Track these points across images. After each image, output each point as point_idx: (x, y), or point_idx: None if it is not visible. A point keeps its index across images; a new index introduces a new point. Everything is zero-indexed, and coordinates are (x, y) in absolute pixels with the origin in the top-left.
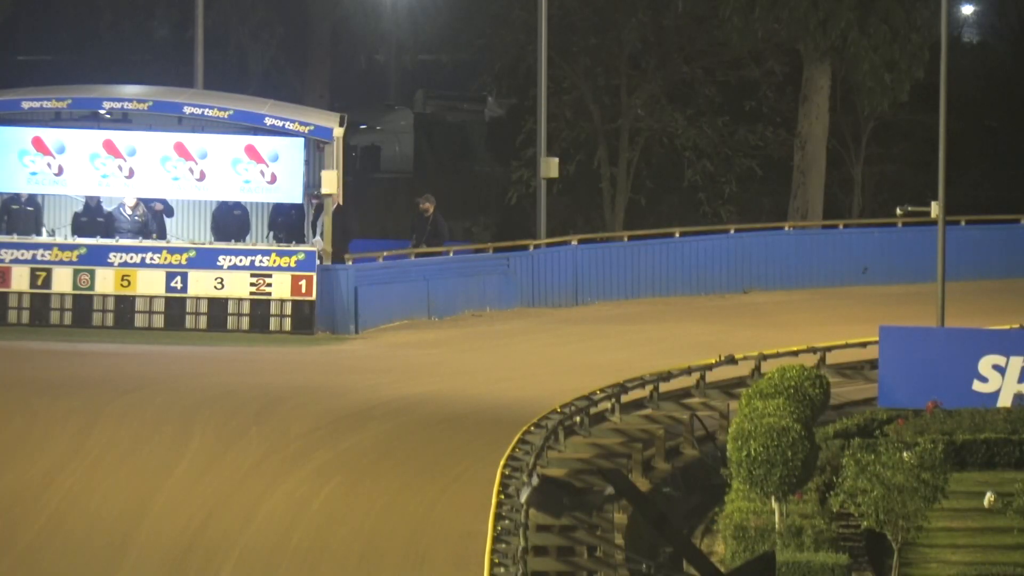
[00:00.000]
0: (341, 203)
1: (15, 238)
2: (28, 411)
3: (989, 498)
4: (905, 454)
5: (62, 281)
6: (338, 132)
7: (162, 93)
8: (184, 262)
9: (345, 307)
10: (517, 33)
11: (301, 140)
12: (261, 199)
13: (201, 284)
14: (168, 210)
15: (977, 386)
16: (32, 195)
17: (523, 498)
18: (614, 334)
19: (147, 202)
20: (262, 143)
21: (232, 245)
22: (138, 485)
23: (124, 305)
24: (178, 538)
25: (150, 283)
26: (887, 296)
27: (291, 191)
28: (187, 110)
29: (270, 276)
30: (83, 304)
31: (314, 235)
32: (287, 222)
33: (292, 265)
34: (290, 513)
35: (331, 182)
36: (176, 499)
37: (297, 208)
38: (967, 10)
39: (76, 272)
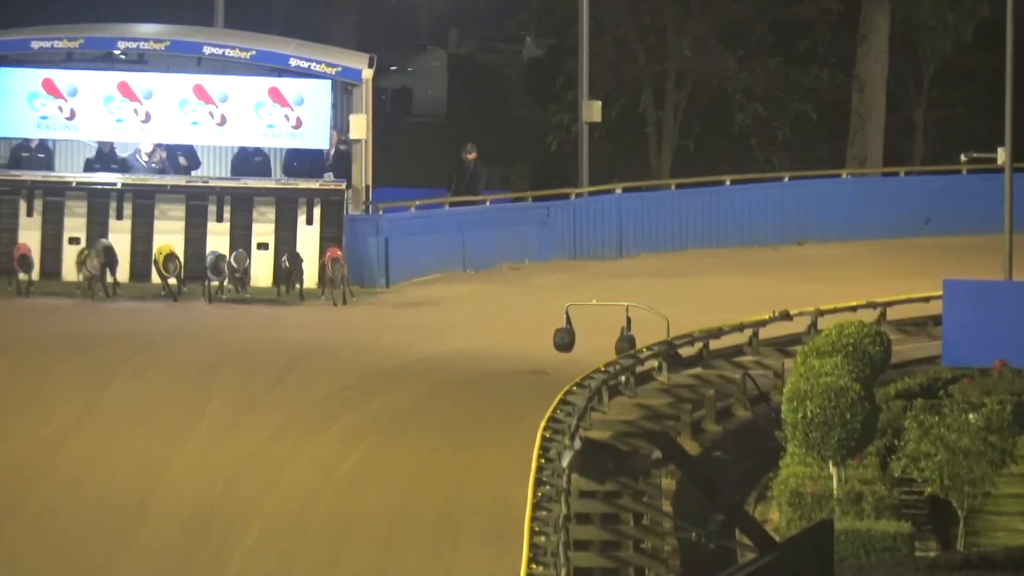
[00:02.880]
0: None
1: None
2: (39, 369)
3: None
4: (971, 415)
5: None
6: (367, 74)
7: (180, 32)
8: None
9: (375, 260)
10: None
11: (328, 82)
12: (286, 145)
13: None
14: (194, 162)
15: None
16: (43, 140)
17: (565, 462)
18: (660, 288)
19: (171, 153)
20: (286, 85)
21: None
22: (155, 448)
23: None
24: (197, 504)
25: None
26: (951, 248)
27: (317, 136)
28: (207, 50)
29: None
30: None
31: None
32: (303, 167)
33: None
34: (316, 478)
35: (360, 127)
36: (195, 463)
37: (315, 152)
38: None
39: None
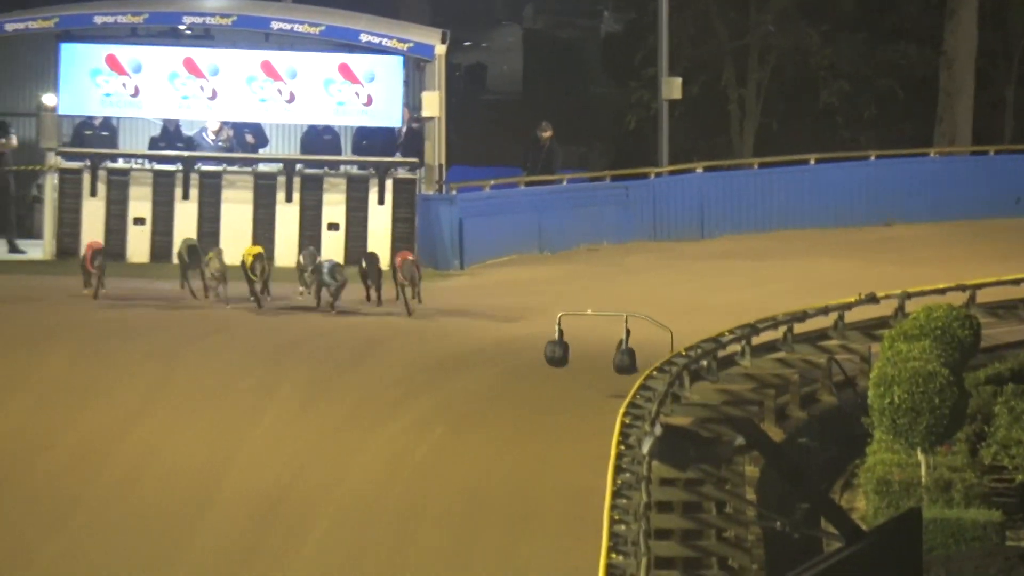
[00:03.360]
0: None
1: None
2: (99, 355)
3: None
4: None
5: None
6: (440, 50)
7: (248, 7)
8: None
9: (449, 241)
10: None
11: (400, 58)
12: (356, 123)
13: None
14: (262, 141)
15: None
16: (107, 118)
17: (645, 449)
18: (743, 270)
19: (238, 131)
20: (357, 62)
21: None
22: (221, 436)
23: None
24: (265, 495)
25: None
26: None
27: (389, 114)
28: (275, 25)
29: None
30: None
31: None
32: (374, 146)
33: None
34: (388, 467)
35: (433, 104)
36: (263, 452)
37: (386, 131)
38: None
39: None
